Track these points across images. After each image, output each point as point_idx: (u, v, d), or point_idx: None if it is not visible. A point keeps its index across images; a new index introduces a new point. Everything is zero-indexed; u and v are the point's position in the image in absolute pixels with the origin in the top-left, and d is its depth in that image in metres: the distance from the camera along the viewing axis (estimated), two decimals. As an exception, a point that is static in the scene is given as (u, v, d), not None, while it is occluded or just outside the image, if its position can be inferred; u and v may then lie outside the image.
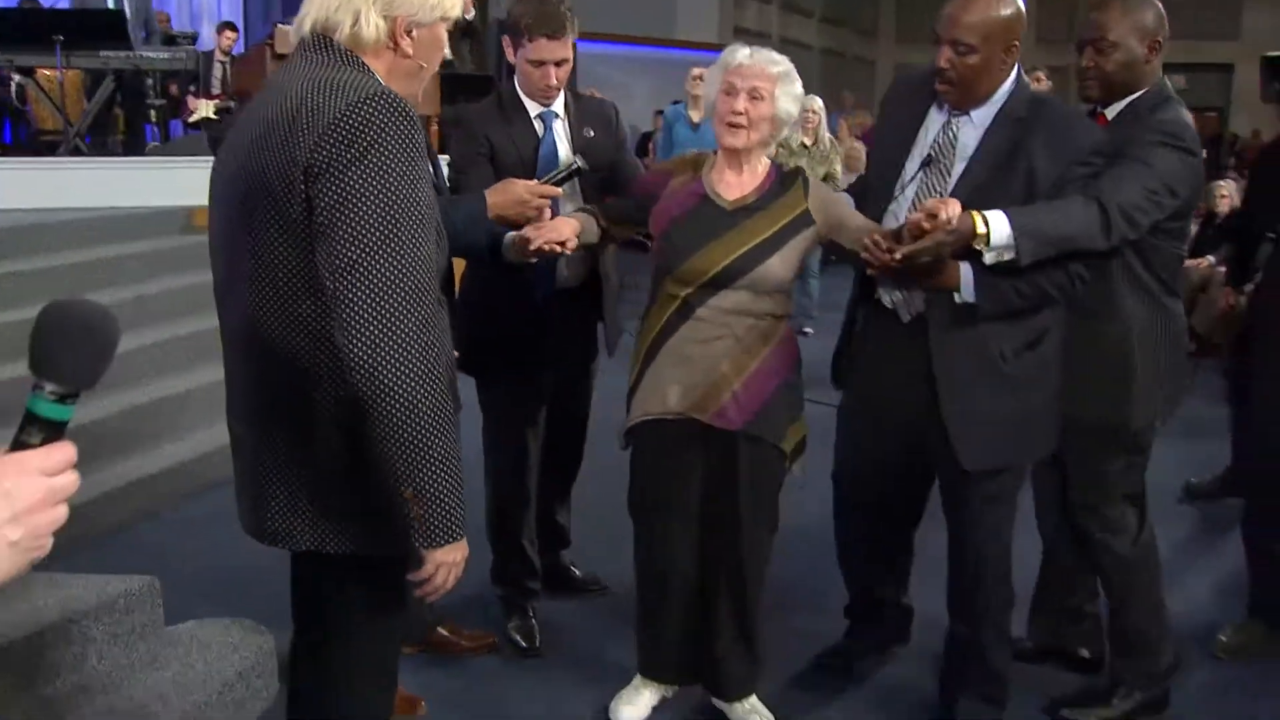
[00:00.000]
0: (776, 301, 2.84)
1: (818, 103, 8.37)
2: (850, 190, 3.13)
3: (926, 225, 2.54)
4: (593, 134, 3.27)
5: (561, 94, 3.24)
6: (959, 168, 2.75)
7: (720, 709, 3.05)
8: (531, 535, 3.51)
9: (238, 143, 1.86)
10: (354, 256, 1.66)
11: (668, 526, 2.91)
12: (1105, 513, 3.00)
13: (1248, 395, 3.57)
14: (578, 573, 3.89)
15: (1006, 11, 2.65)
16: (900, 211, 2.79)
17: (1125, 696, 3.11)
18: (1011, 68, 2.73)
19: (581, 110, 3.31)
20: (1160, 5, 2.88)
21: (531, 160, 3.17)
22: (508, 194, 2.88)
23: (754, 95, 2.75)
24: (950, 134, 2.78)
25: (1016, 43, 2.69)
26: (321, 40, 1.84)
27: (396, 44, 1.87)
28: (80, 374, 0.98)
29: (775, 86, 2.77)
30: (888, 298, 2.88)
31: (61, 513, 0.97)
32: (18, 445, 0.97)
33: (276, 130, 1.74)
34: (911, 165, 2.81)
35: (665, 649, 3.03)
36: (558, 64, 3.12)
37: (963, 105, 2.75)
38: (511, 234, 2.88)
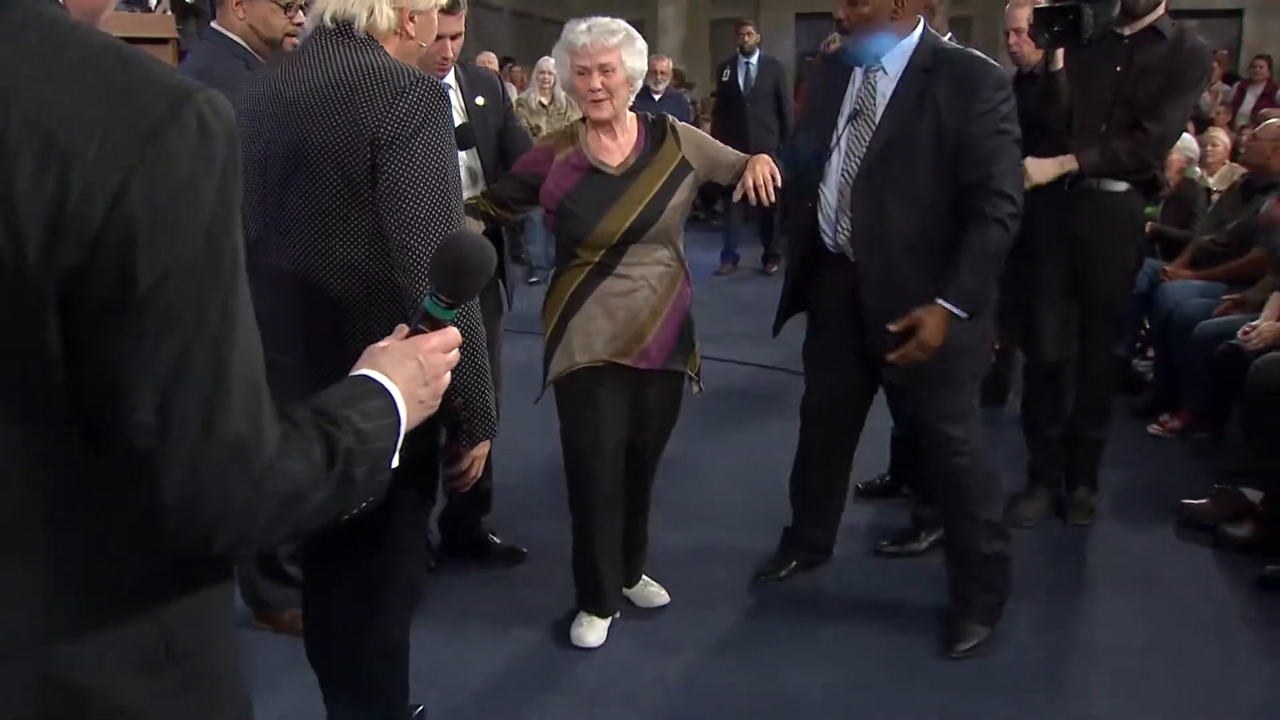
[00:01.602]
0: (676, 246, 3.14)
1: (550, 63, 8.88)
2: (784, 152, 3.44)
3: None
4: (482, 101, 3.46)
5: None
6: (878, 116, 3.10)
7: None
8: None
9: (269, 111, 2.17)
10: (420, 214, 2.06)
11: (602, 467, 3.18)
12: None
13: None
14: (497, 540, 3.93)
15: None
16: (838, 163, 3.17)
17: (928, 536, 3.88)
18: (910, 20, 3.06)
19: (470, 79, 3.49)
20: None
21: None
22: None
23: (605, 70, 2.97)
24: (870, 86, 3.12)
25: None
26: (345, 29, 2.20)
27: (404, 29, 2.26)
28: (459, 291, 1.38)
29: (620, 54, 2.98)
30: (829, 241, 3.24)
31: (447, 380, 1.37)
32: (414, 332, 1.36)
33: (331, 104, 2.09)
34: (842, 121, 3.17)
35: (605, 584, 3.33)
36: (453, 37, 3.25)
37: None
38: None
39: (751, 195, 3.02)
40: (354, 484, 1.14)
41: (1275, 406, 4.04)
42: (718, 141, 3.26)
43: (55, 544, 1.02)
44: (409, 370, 1.28)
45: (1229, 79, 12.51)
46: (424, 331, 1.36)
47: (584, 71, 2.99)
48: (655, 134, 3.14)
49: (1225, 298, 5.02)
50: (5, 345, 0.94)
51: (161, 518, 0.99)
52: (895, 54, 3.08)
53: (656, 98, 8.86)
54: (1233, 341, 4.44)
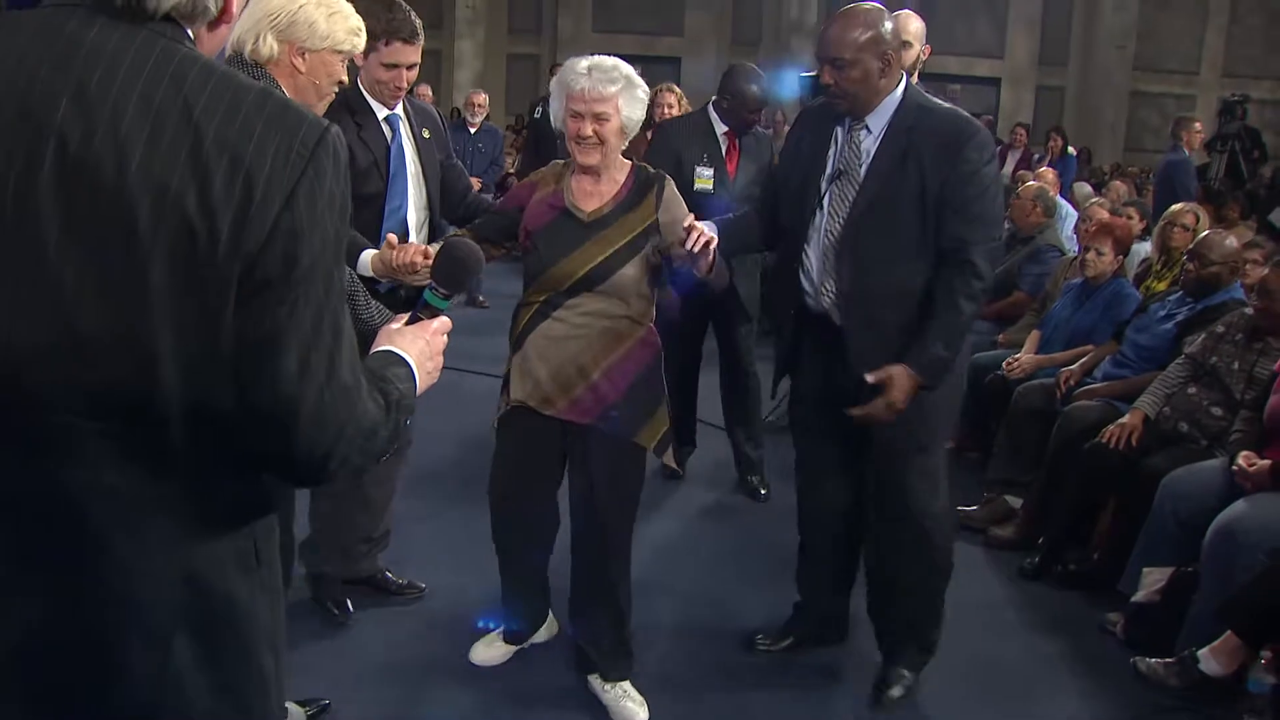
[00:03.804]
0: (633, 305, 3.01)
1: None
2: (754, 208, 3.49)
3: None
4: (428, 135, 3.42)
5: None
6: (862, 176, 3.02)
7: (596, 688, 3.25)
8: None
9: None
10: None
11: (517, 508, 3.17)
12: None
13: None
14: (392, 577, 3.84)
15: (874, 30, 2.93)
16: (821, 223, 3.08)
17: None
18: (895, 78, 3.00)
19: (416, 112, 3.44)
20: None
21: (385, 162, 3.27)
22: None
23: (599, 118, 2.89)
24: (854, 146, 3.03)
25: (890, 54, 2.95)
26: (237, 55, 2.48)
27: (291, 63, 2.51)
28: (455, 284, 1.73)
29: (617, 102, 2.90)
30: (812, 303, 3.14)
31: (441, 359, 1.68)
32: (414, 320, 1.68)
33: None
34: (825, 181, 3.07)
35: (513, 612, 3.36)
36: (409, 68, 3.22)
37: (856, 114, 3.03)
38: (369, 253, 3.04)
39: (691, 241, 2.87)
40: (398, 428, 1.45)
41: (1032, 427, 4.74)
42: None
43: (201, 472, 1.32)
44: (420, 347, 1.59)
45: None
46: (422, 319, 1.70)
47: (577, 116, 2.91)
48: (641, 187, 3.04)
49: (1001, 338, 5.72)
50: (196, 311, 1.24)
51: (295, 447, 1.30)
52: (879, 112, 3.02)
53: (473, 130, 9.21)
54: (998, 372, 5.12)
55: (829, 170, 3.07)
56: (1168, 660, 3.34)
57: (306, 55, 2.52)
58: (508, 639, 3.43)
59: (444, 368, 1.68)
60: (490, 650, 3.43)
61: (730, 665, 3.55)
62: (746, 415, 5.15)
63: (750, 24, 19.23)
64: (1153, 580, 3.67)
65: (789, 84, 3.96)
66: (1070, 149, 13.08)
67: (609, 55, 3.00)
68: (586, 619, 3.25)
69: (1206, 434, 4.03)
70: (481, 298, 9.06)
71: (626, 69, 2.96)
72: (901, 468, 3.17)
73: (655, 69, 19.52)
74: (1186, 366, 4.19)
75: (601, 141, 2.93)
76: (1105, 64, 18.91)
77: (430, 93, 11.60)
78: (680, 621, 3.81)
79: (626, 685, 3.23)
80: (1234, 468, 3.61)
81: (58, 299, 1.23)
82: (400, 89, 3.25)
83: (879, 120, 3.02)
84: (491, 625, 3.47)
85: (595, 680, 3.25)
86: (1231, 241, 4.54)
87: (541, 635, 3.49)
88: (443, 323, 1.69)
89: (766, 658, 3.57)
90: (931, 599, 3.33)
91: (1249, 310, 4.13)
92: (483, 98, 9.31)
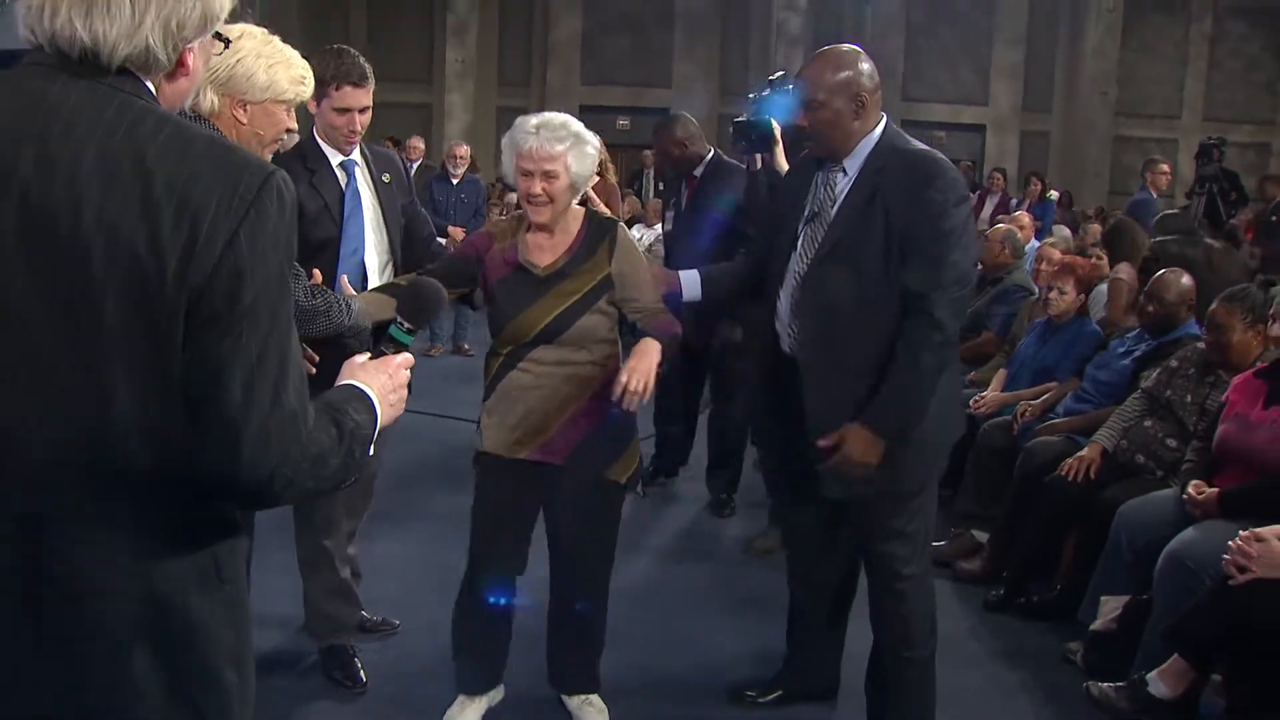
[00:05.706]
0: (594, 351, 3.07)
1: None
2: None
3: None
4: (388, 179, 3.46)
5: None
6: (832, 217, 3.00)
7: (564, 698, 3.38)
8: (344, 565, 3.58)
9: None
10: None
11: (491, 551, 3.19)
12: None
13: None
14: (367, 615, 3.85)
15: (845, 71, 2.94)
16: (793, 265, 3.06)
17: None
18: (869, 121, 2.97)
19: (375, 157, 3.48)
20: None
21: (338, 208, 3.31)
22: None
23: (548, 176, 2.93)
24: (829, 189, 3.02)
25: (863, 96, 2.93)
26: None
27: (234, 115, 2.59)
28: (419, 320, 1.84)
29: (566, 159, 2.94)
30: (786, 342, 3.11)
31: (405, 392, 1.76)
32: (378, 354, 1.75)
33: None
34: (800, 223, 3.06)
35: (486, 665, 3.31)
36: (361, 111, 3.27)
37: (830, 157, 3.02)
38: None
39: (621, 395, 2.94)
40: (354, 458, 1.53)
41: (995, 463, 4.85)
42: (649, 275, 3.23)
43: (156, 492, 1.41)
44: (382, 381, 1.68)
45: (973, 187, 14.01)
46: (386, 353, 1.79)
47: (527, 175, 2.95)
48: (593, 238, 3.10)
49: (971, 377, 5.81)
50: (146, 343, 1.35)
51: (239, 468, 1.38)
52: (855, 154, 3.00)
53: (455, 181, 9.34)
54: (966, 410, 5.21)
55: (806, 213, 3.07)
56: (1118, 684, 3.41)
57: (248, 107, 2.61)
58: (468, 693, 3.32)
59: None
60: (463, 711, 3.30)
61: (696, 700, 3.63)
62: (729, 449, 5.52)
63: (738, 74, 19.45)
64: (1110, 609, 3.76)
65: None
66: (1052, 193, 13.29)
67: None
68: (559, 653, 3.35)
69: (1162, 465, 4.14)
70: (466, 345, 9.20)
71: (576, 126, 3.00)
72: (871, 523, 3.11)
73: (644, 120, 19.70)
74: (1143, 400, 4.30)
75: (551, 200, 2.97)
76: (1088, 110, 19.18)
77: (423, 144, 11.82)
78: (649, 659, 3.88)
79: (592, 696, 3.36)
80: (1184, 496, 3.72)
81: (21, 337, 1.35)
82: (354, 133, 3.30)
83: (854, 162, 2.99)
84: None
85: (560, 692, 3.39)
86: (1186, 280, 4.65)
87: (498, 694, 3.40)
88: (405, 358, 1.77)
89: (738, 698, 3.59)
90: (898, 672, 3.20)
91: (1201, 345, 4.25)
92: (464, 149, 9.43)
